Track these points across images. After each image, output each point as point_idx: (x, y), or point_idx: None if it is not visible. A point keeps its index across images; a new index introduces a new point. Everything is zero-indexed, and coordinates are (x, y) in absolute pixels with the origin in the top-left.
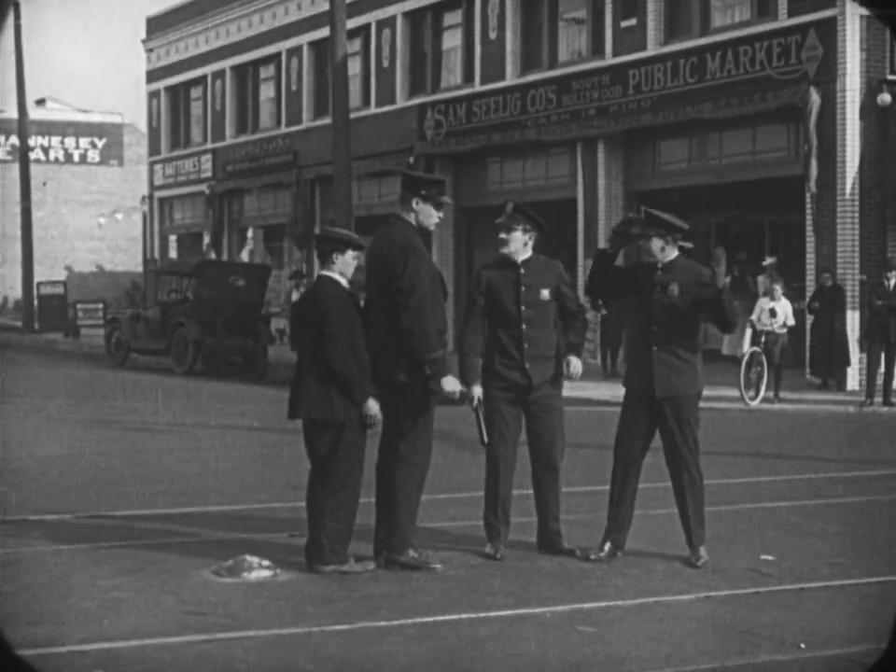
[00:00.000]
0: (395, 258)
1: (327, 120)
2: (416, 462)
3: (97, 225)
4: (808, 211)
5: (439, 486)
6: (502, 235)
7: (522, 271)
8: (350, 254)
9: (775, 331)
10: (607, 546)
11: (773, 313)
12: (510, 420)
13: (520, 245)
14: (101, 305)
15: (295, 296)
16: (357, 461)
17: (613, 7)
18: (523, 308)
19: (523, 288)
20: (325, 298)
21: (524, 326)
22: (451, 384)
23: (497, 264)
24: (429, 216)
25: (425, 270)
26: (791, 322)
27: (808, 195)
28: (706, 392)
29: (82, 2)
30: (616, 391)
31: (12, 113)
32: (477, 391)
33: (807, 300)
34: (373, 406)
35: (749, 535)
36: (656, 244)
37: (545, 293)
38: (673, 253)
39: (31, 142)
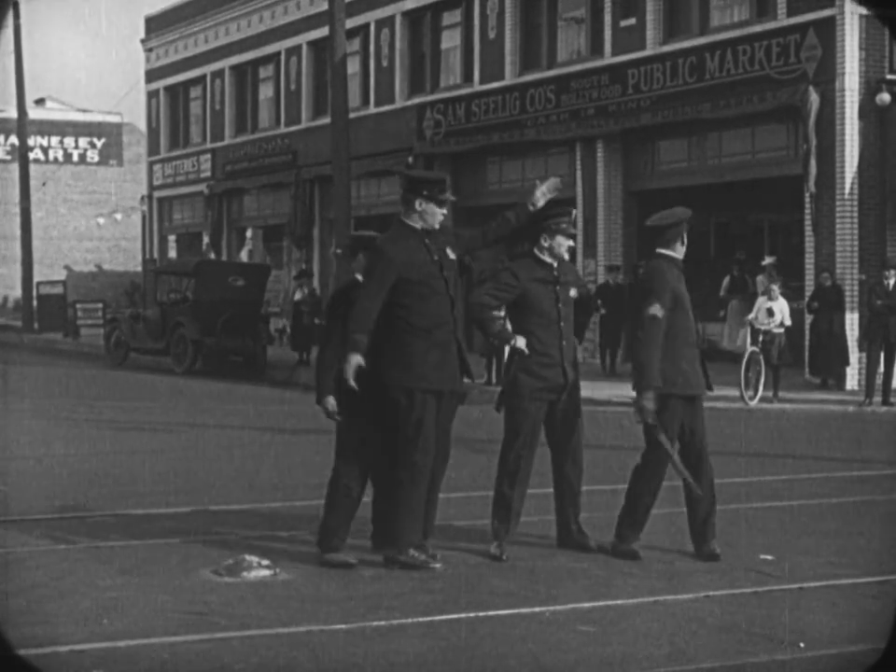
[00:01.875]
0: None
1: (326, 120)
2: (415, 461)
3: (96, 225)
4: (807, 211)
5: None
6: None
7: (555, 271)
8: None
9: (772, 331)
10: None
11: (770, 312)
12: (536, 425)
13: None
14: (100, 305)
15: (298, 295)
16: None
17: (612, 7)
18: (560, 306)
19: (558, 287)
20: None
21: (562, 324)
22: (354, 361)
23: (527, 262)
24: (433, 214)
25: (383, 265)
26: (788, 322)
27: (807, 195)
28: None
29: (82, 2)
30: (616, 391)
31: (11, 113)
32: (522, 341)
33: (806, 299)
34: (329, 402)
35: (749, 535)
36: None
37: (573, 291)
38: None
39: (30, 142)
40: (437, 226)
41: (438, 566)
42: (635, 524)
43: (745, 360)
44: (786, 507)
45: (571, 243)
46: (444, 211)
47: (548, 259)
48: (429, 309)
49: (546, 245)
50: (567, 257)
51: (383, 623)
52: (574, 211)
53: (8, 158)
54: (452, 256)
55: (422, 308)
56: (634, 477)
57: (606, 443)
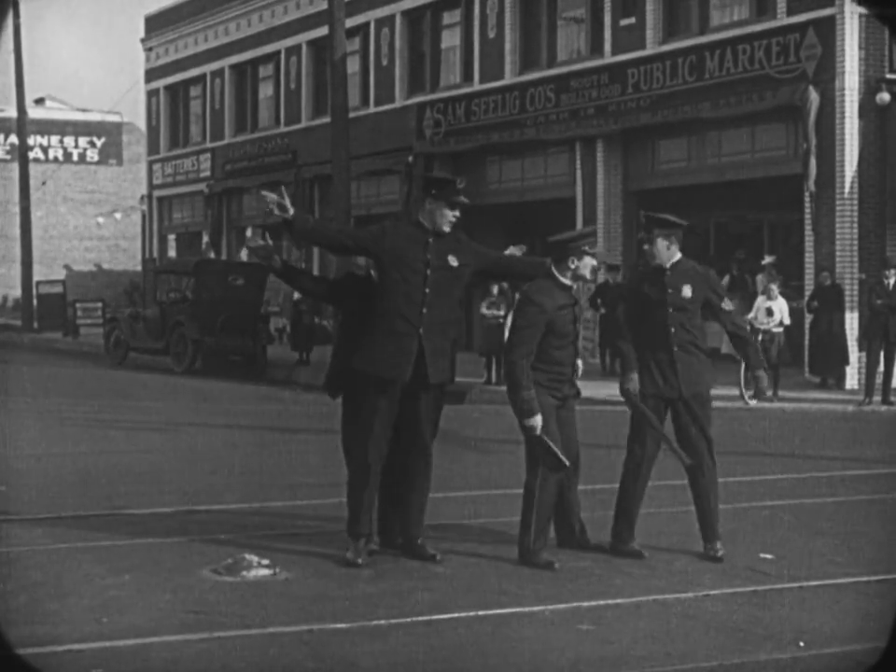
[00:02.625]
0: None
1: (325, 119)
2: (356, 453)
3: (96, 224)
4: (807, 210)
5: (438, 485)
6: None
7: (574, 292)
8: None
9: (771, 330)
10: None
11: (769, 312)
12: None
13: (664, 250)
14: (100, 304)
15: (297, 294)
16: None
17: (612, 6)
18: (577, 325)
19: (576, 307)
20: None
21: (576, 342)
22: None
23: (547, 287)
24: (441, 215)
25: (373, 231)
26: (788, 321)
27: (807, 194)
28: None
29: (82, 1)
30: (616, 390)
31: (11, 112)
32: (539, 420)
33: (806, 299)
34: None
35: (749, 533)
36: (661, 244)
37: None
38: (678, 254)
39: (30, 141)
40: (445, 228)
41: (360, 560)
42: (631, 523)
43: None
44: (786, 506)
45: (595, 262)
46: (456, 213)
47: (569, 282)
48: (398, 300)
49: (573, 266)
50: (589, 277)
51: (383, 622)
52: (594, 229)
53: (8, 157)
54: (454, 263)
55: (393, 298)
56: (622, 475)
57: (605, 443)
